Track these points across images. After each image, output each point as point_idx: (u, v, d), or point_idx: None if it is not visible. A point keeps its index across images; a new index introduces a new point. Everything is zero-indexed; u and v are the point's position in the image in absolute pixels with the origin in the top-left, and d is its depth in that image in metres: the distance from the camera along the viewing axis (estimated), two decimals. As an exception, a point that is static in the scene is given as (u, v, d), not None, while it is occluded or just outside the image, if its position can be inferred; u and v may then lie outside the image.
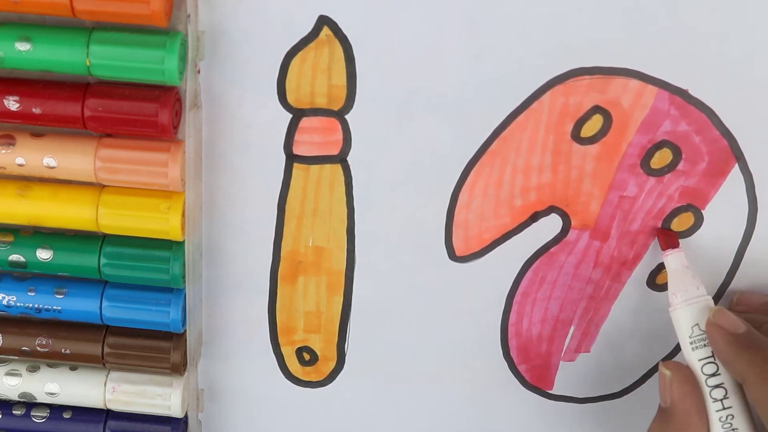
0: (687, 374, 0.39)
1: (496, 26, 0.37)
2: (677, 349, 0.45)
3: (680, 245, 0.41)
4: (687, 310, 0.40)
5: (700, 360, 0.39)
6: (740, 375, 0.37)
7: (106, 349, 0.42)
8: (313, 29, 0.37)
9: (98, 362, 0.43)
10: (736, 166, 0.40)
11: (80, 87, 0.37)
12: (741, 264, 0.42)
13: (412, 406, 0.48)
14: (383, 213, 0.42)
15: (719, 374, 0.38)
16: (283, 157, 0.40)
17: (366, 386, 0.47)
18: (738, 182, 0.40)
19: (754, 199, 0.41)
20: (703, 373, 0.39)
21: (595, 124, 0.39)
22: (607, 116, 0.39)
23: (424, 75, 0.38)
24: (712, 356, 0.39)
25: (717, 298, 0.43)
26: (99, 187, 0.40)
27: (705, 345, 0.39)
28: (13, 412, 0.44)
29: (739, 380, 0.37)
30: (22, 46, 0.35)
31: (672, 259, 0.41)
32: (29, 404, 0.44)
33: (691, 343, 0.39)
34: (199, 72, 0.38)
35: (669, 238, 0.41)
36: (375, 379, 0.47)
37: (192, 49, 0.36)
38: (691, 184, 0.40)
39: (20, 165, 0.38)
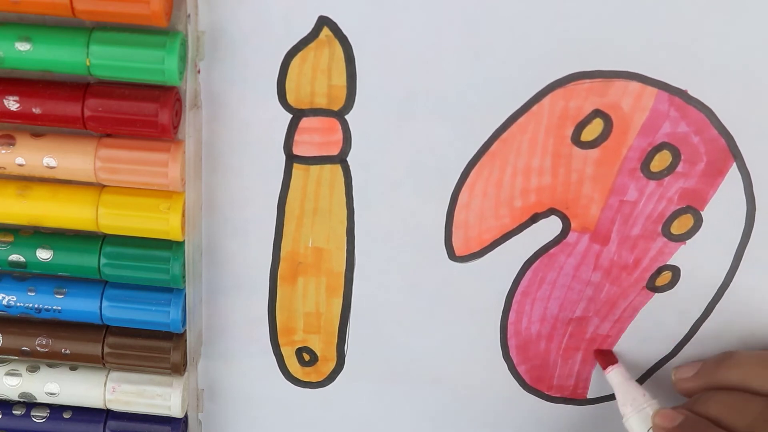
0: None
1: (496, 28, 0.37)
2: (677, 349, 0.45)
3: (618, 361, 0.44)
4: (638, 417, 0.43)
5: None
6: None
7: (106, 349, 0.42)
8: (313, 29, 0.37)
9: (98, 362, 0.43)
10: (734, 165, 0.40)
11: (80, 87, 0.37)
12: (740, 263, 0.42)
13: (411, 407, 0.48)
14: (383, 213, 0.42)
15: None
16: (283, 157, 0.40)
17: (366, 387, 0.47)
18: (736, 182, 0.40)
19: (752, 198, 0.41)
20: None
21: (595, 128, 0.39)
22: (607, 121, 0.39)
23: (424, 75, 0.38)
24: None
25: (717, 299, 0.43)
26: (99, 187, 0.40)
27: None
28: (13, 412, 0.44)
29: None
30: (22, 46, 0.35)
31: (614, 375, 0.44)
32: (29, 404, 0.44)
33: None
34: (199, 72, 0.38)
35: (607, 357, 0.45)
36: (375, 379, 0.47)
37: (192, 49, 0.36)
38: (690, 185, 0.40)
39: (20, 165, 0.38)
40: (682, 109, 0.38)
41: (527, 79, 0.38)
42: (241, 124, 0.39)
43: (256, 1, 0.37)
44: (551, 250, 0.42)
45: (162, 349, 0.43)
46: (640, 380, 0.46)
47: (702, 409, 0.40)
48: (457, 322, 0.45)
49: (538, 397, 0.47)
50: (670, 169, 0.40)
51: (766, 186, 0.40)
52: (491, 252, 0.43)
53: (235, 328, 0.45)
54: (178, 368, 0.43)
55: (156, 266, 0.40)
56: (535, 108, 0.39)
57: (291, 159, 0.40)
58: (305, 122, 0.39)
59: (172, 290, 0.42)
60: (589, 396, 0.47)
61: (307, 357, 0.46)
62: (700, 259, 0.42)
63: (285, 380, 0.47)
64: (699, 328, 0.44)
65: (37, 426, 0.44)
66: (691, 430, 0.39)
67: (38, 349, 0.42)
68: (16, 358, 0.43)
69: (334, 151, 0.40)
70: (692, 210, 0.41)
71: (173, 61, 0.35)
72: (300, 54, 0.38)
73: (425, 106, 0.39)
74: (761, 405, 0.39)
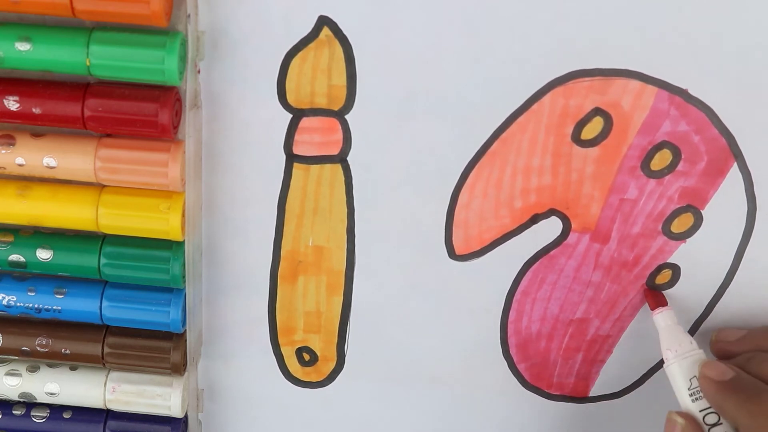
0: (697, 425, 0.40)
1: (496, 27, 0.37)
2: (676, 349, 0.45)
3: (668, 303, 0.43)
4: (683, 364, 0.41)
5: (701, 411, 0.40)
6: (733, 419, 0.38)
7: (106, 349, 0.42)
8: (313, 29, 0.37)
9: (98, 362, 0.43)
10: (735, 164, 0.40)
11: (80, 87, 0.37)
12: (741, 263, 0.42)
13: (411, 407, 0.48)
14: (383, 213, 0.42)
15: (721, 423, 0.39)
16: (283, 157, 0.40)
17: (366, 387, 0.47)
18: (737, 181, 0.40)
19: (753, 197, 0.41)
20: (706, 423, 0.40)
21: (595, 126, 0.39)
22: (607, 119, 0.39)
23: (424, 75, 0.38)
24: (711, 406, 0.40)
25: (717, 299, 0.43)
26: (99, 187, 0.40)
27: (703, 396, 0.40)
28: (13, 412, 0.44)
29: (734, 425, 0.38)
30: (22, 46, 0.35)
31: (661, 318, 0.42)
32: (29, 404, 0.44)
33: (690, 395, 0.40)
34: (199, 72, 0.38)
35: (657, 298, 0.43)
36: (375, 379, 0.47)
37: (192, 49, 0.36)
38: (690, 184, 0.40)
39: (20, 165, 0.38)
40: (683, 108, 0.38)
41: (527, 78, 0.38)
42: (241, 124, 0.40)
43: (256, 1, 0.37)
44: (552, 252, 0.42)
45: (162, 349, 0.43)
46: (641, 380, 0.46)
47: (755, 370, 0.39)
48: (457, 321, 0.45)
49: (538, 395, 0.47)
50: (671, 167, 0.40)
51: (767, 185, 0.40)
52: (491, 251, 0.43)
53: (235, 328, 0.45)
54: (178, 368, 0.43)
55: (156, 266, 0.40)
56: (535, 106, 0.39)
57: (291, 159, 0.40)
58: (305, 122, 0.39)
59: (172, 290, 0.42)
60: (589, 394, 0.47)
61: (307, 357, 0.46)
62: (700, 258, 0.42)
63: (285, 380, 0.47)
64: (699, 327, 0.44)
65: (37, 426, 0.44)
66: (744, 388, 0.39)
67: (38, 349, 0.42)
68: (16, 358, 0.43)
69: (334, 151, 0.40)
70: (693, 209, 0.41)
71: (173, 61, 0.35)
72: (300, 54, 0.38)
73: (425, 106, 0.39)
74: None
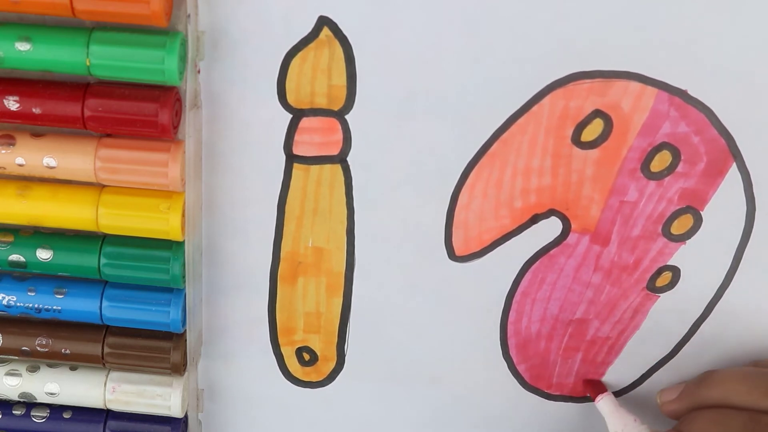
0: None
1: (496, 28, 0.37)
2: (676, 349, 0.45)
3: (607, 389, 0.46)
4: None
5: None
6: None
7: (106, 349, 0.42)
8: (313, 29, 0.37)
9: (98, 362, 0.43)
10: (734, 165, 0.40)
11: (80, 87, 0.37)
12: (740, 264, 0.42)
13: (411, 407, 0.48)
14: (383, 213, 0.42)
15: None
16: (283, 157, 0.40)
17: (366, 387, 0.47)
18: (736, 181, 0.40)
19: (752, 198, 0.41)
20: None
21: (595, 128, 0.39)
22: (607, 121, 0.39)
23: (424, 75, 0.38)
24: None
25: (716, 299, 0.43)
26: (99, 187, 0.40)
27: None
28: (13, 412, 0.44)
29: None
30: (22, 46, 0.35)
31: (604, 404, 0.45)
32: (29, 404, 0.44)
33: None
34: (199, 72, 0.38)
35: (596, 386, 0.46)
36: (375, 379, 0.47)
37: (192, 49, 0.36)
38: (690, 185, 0.40)
39: (20, 165, 0.38)
40: (682, 109, 0.38)
41: (527, 79, 0.38)
42: (241, 124, 0.39)
43: (256, 1, 0.37)
44: (551, 251, 0.42)
45: (162, 349, 0.43)
46: (640, 380, 0.46)
47: (687, 429, 0.41)
48: (457, 322, 0.45)
49: (538, 395, 0.47)
50: (670, 169, 0.40)
51: (766, 186, 0.40)
52: (491, 252, 0.43)
53: (235, 328, 0.45)
54: (178, 368, 0.43)
55: (156, 266, 0.40)
56: (535, 108, 0.39)
57: (291, 159, 0.40)
58: (305, 122, 0.39)
59: (172, 290, 0.42)
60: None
61: (307, 357, 0.46)
62: (700, 260, 0.42)
63: (285, 380, 0.47)
64: (699, 328, 0.45)
65: (37, 426, 0.44)
66: None
67: (38, 349, 0.42)
68: (16, 358, 0.43)
69: (334, 151, 0.40)
70: (692, 210, 0.41)
71: (173, 61, 0.35)
72: (300, 54, 0.38)
73: (425, 106, 0.39)
74: (743, 419, 0.39)
